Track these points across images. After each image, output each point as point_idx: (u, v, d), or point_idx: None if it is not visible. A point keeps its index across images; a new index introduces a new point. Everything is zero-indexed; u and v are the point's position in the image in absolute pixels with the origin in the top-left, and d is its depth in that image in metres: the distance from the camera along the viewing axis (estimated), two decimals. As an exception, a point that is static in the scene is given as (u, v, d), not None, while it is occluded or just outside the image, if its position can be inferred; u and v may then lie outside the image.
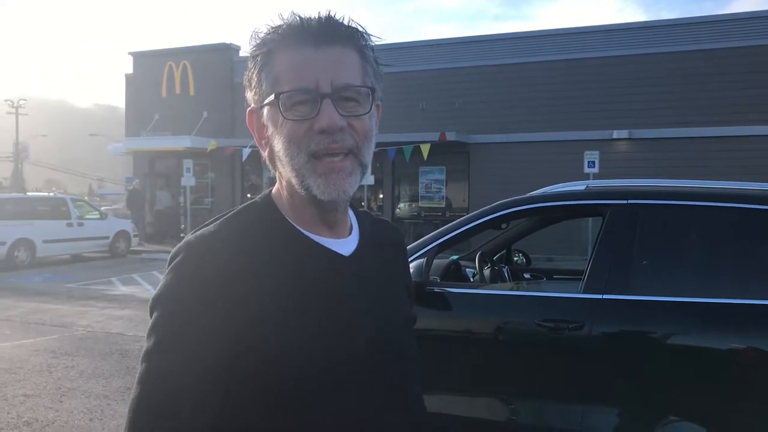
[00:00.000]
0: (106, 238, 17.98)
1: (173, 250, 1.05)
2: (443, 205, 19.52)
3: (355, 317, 1.09)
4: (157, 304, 1.01)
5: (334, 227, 1.13)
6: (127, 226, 19.17)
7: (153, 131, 22.58)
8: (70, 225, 16.96)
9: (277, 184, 1.15)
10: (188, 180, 19.71)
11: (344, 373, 1.05)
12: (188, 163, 19.82)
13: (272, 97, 1.04)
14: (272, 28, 1.07)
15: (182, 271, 1.01)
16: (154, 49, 24.02)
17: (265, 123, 1.09)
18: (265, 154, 1.12)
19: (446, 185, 19.54)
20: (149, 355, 0.98)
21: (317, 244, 1.10)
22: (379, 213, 19.50)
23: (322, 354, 1.03)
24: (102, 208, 23.77)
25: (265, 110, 1.07)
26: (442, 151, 17.73)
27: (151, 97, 22.80)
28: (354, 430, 1.06)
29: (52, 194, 21.67)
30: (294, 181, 1.06)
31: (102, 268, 15.60)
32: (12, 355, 7.03)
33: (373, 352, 1.10)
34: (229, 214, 1.12)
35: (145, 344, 1.00)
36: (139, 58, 23.71)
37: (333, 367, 1.04)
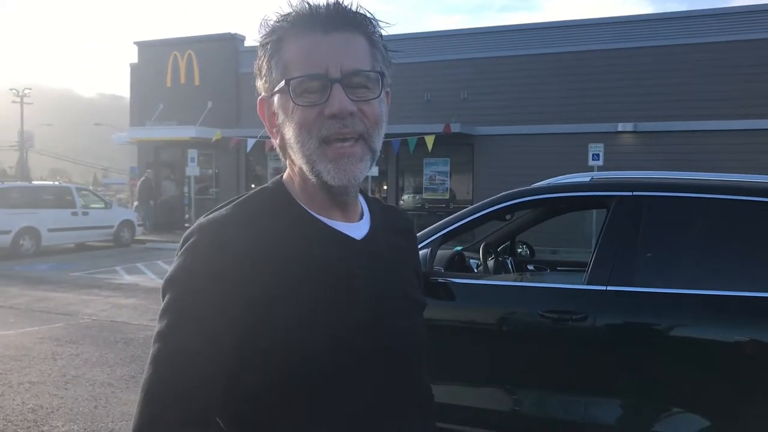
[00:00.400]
0: (111, 227, 18.02)
1: (185, 233, 1.06)
2: (447, 197, 19.51)
3: (365, 300, 1.10)
4: (169, 285, 1.02)
5: (345, 211, 1.14)
6: (132, 215, 19.22)
7: (158, 121, 22.60)
8: (75, 214, 17.01)
9: (287, 171, 1.16)
10: (193, 170, 19.74)
11: (352, 355, 1.06)
12: (193, 153, 19.86)
13: (282, 83, 1.05)
14: (281, 15, 1.07)
15: (194, 253, 1.02)
16: (159, 38, 24.00)
17: (275, 111, 1.09)
18: (276, 142, 1.13)
19: (450, 177, 19.51)
20: (162, 336, 0.99)
21: (329, 226, 1.11)
22: (383, 204, 19.55)
23: (331, 335, 1.04)
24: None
25: (276, 98, 1.08)
26: (446, 142, 17.71)
27: (156, 86, 22.79)
28: (361, 411, 1.07)
29: (57, 183, 21.71)
30: (305, 167, 1.07)
31: (106, 257, 15.65)
32: (17, 343, 7.06)
33: (382, 335, 1.11)
34: (241, 198, 1.13)
35: (157, 325, 1.01)
36: (144, 47, 23.69)
37: (341, 348, 1.05)
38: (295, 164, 1.10)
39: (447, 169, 19.46)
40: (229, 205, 1.11)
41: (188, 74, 22.38)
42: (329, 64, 1.03)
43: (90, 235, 17.57)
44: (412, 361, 1.19)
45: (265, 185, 1.17)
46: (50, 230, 16.19)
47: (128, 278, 12.45)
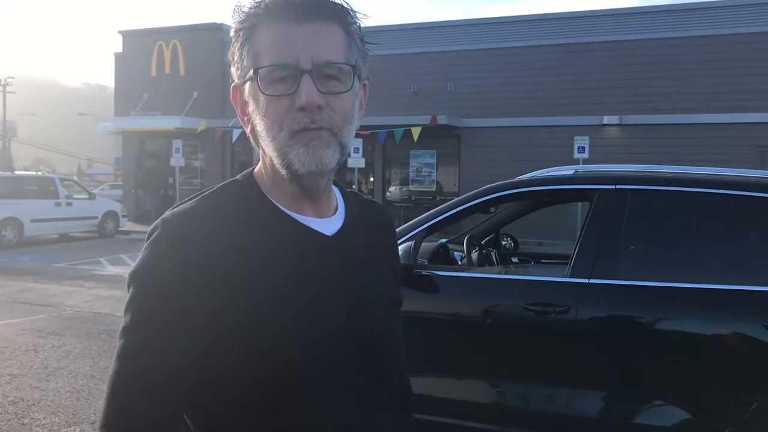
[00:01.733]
0: (95, 218, 17.92)
1: (150, 227, 1.05)
2: (434, 189, 19.54)
3: (334, 298, 1.07)
4: (133, 280, 1.00)
5: (317, 206, 1.11)
6: (116, 206, 19.11)
7: (143, 111, 22.43)
8: (58, 204, 16.89)
9: (260, 163, 1.14)
10: (178, 160, 19.62)
11: (321, 353, 1.04)
12: (178, 143, 19.72)
13: (252, 72, 1.03)
14: (256, 2, 1.05)
15: (157, 248, 1.00)
16: (144, 27, 23.79)
17: (246, 99, 1.07)
18: (247, 130, 1.10)
19: (437, 169, 19.54)
20: (126, 332, 0.98)
21: (298, 222, 1.08)
22: (370, 196, 19.56)
23: (298, 332, 1.02)
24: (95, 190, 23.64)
25: (247, 86, 1.06)
26: (433, 134, 17.72)
27: (141, 76, 22.61)
28: (331, 409, 1.05)
29: (40, 173, 21.53)
30: (276, 159, 1.04)
31: (90, 248, 15.54)
32: (-2, 335, 7.00)
33: (352, 334, 1.08)
34: (208, 192, 1.10)
35: (122, 320, 1.00)
36: (129, 36, 23.46)
37: (310, 347, 1.02)
38: (266, 154, 1.08)
39: (433, 161, 19.48)
40: (195, 199, 1.08)
41: (173, 64, 22.22)
42: (300, 54, 1.00)
43: (73, 225, 17.47)
44: (386, 358, 1.16)
45: (235, 178, 1.14)
46: (33, 221, 16.08)
47: (112, 269, 12.38)
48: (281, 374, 1.00)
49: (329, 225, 1.12)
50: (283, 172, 1.04)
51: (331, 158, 1.04)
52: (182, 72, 22.03)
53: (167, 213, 1.06)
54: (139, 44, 22.85)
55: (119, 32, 23.76)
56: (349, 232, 1.15)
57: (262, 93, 1.02)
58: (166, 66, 22.30)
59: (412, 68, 18.87)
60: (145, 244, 1.02)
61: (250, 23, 1.04)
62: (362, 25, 1.09)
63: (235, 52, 1.07)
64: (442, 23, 20.04)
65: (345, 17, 1.05)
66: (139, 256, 1.02)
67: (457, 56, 18.69)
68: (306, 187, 1.07)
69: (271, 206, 1.08)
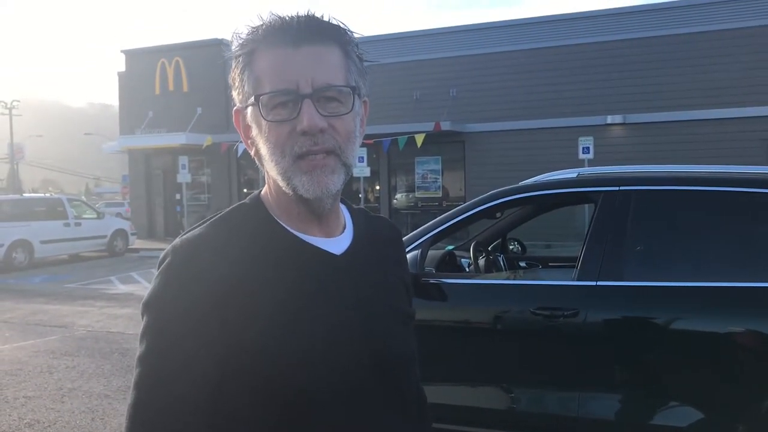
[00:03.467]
0: (104, 237, 18.01)
1: (162, 254, 1.06)
2: (440, 195, 19.55)
3: (346, 317, 1.08)
4: (146, 309, 1.02)
5: (324, 225, 1.12)
6: (125, 224, 19.22)
7: (148, 129, 22.56)
8: (67, 225, 16.99)
9: (266, 186, 1.15)
10: (184, 177, 19.70)
11: (335, 373, 1.04)
12: (184, 159, 19.81)
13: (253, 98, 1.04)
14: (253, 28, 1.06)
15: (168, 276, 1.01)
16: (146, 46, 23.97)
17: (249, 123, 1.08)
18: (252, 152, 1.11)
19: (442, 175, 19.55)
20: (142, 360, 0.99)
21: (306, 243, 1.09)
22: (376, 204, 19.50)
23: (314, 354, 1.03)
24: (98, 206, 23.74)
25: (249, 110, 1.07)
26: (437, 140, 17.74)
27: (145, 94, 22.75)
28: (350, 429, 1.06)
29: (48, 195, 21.68)
30: (281, 183, 1.05)
31: (100, 268, 15.61)
32: (12, 357, 7.04)
33: (366, 352, 1.09)
34: (218, 216, 1.11)
35: (138, 348, 1.01)
36: (132, 55, 23.62)
37: (325, 367, 1.03)
38: (271, 176, 1.09)
39: (439, 167, 19.50)
40: (205, 224, 1.09)
41: (176, 81, 22.35)
42: (300, 78, 1.01)
43: (83, 245, 17.56)
44: (400, 374, 1.16)
45: (244, 201, 1.15)
46: (43, 242, 16.17)
47: (123, 288, 12.42)
48: (297, 395, 1.01)
49: (338, 244, 1.13)
50: (290, 192, 1.05)
51: (335, 183, 1.05)
52: (185, 89, 22.16)
53: (177, 240, 1.06)
54: (141, 63, 23.00)
55: (122, 51, 23.94)
56: (358, 250, 1.15)
57: (264, 119, 1.03)
58: (169, 83, 22.44)
59: (414, 75, 18.91)
60: (157, 273, 1.04)
61: (249, 49, 1.05)
62: (361, 35, 1.10)
63: (235, 77, 1.08)
64: (442, 29, 20.09)
65: (342, 37, 1.06)
66: (151, 285, 1.03)
67: (458, 62, 18.72)
68: (312, 207, 1.08)
69: (279, 228, 1.09)
